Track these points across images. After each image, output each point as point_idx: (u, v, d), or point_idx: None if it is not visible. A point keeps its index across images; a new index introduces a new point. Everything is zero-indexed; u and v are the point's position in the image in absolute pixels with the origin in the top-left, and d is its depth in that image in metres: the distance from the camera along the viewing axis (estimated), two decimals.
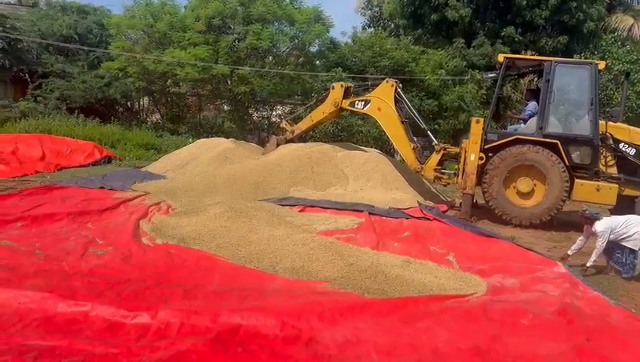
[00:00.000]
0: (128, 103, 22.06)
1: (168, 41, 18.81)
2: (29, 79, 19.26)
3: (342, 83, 11.40)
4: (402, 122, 10.23)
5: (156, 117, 21.97)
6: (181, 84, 19.37)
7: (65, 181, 9.34)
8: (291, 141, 11.78)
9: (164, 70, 18.04)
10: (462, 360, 3.23)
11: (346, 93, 11.07)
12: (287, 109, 21.25)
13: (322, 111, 11.32)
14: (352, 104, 10.98)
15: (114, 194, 8.21)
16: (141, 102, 22.59)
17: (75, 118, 17.14)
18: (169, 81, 19.14)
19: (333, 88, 11.18)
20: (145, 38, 19.53)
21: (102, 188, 8.75)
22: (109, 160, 13.63)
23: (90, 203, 7.43)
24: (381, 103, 10.44)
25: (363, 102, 10.80)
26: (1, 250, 4.98)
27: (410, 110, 10.55)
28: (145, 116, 22.14)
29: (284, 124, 12.13)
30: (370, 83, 12.11)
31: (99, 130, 16.38)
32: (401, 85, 10.53)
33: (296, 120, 12.49)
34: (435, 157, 9.76)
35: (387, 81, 10.64)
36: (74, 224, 6.24)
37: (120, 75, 18.69)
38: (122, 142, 15.96)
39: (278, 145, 11.69)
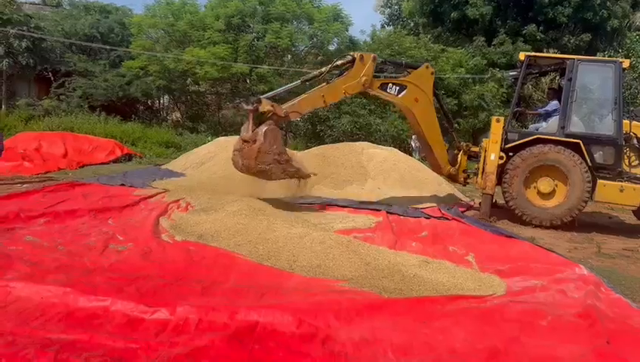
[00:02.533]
0: (149, 102, 22.39)
1: (188, 40, 19.05)
2: (52, 78, 19.67)
3: (374, 55, 8.30)
4: None
5: (176, 115, 22.25)
6: (201, 82, 19.57)
7: (86, 178, 9.50)
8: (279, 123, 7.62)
9: (184, 69, 18.27)
10: (479, 361, 3.19)
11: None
12: None
13: (343, 91, 8.05)
14: (384, 86, 8.40)
15: (134, 192, 8.33)
16: (161, 101, 22.89)
17: (96, 116, 17.47)
18: (189, 79, 19.38)
19: (362, 60, 8.00)
20: (165, 37, 19.81)
21: (122, 185, 8.88)
22: (129, 157, 13.83)
23: (111, 200, 7.54)
24: (419, 93, 8.63)
25: (398, 87, 8.48)
26: (24, 245, 5.08)
27: (442, 106, 9.48)
28: (165, 114, 22.44)
29: (267, 107, 7.27)
30: (404, 62, 9.61)
31: (120, 128, 16.66)
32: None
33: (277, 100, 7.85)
34: (464, 158, 9.56)
35: (427, 67, 8.81)
36: (95, 220, 6.34)
37: (141, 74, 18.98)
38: (142, 140, 16.21)
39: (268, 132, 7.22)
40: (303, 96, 7.93)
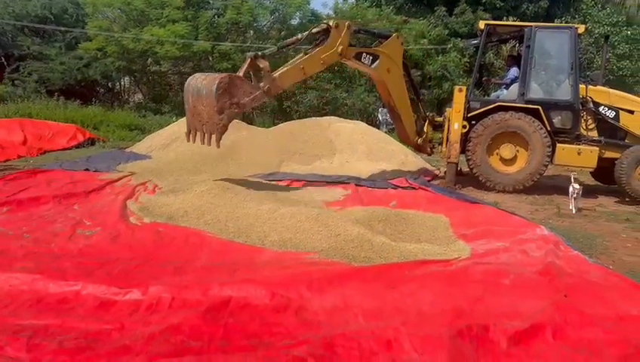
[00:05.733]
0: (109, 84, 21.79)
1: (146, 19, 18.50)
2: (5, 63, 18.90)
3: (348, 22, 8.22)
4: None
5: (138, 97, 21.76)
6: (162, 62, 19.12)
7: (49, 164, 9.27)
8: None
9: (144, 49, 17.80)
10: (446, 321, 3.33)
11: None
12: None
13: (322, 61, 7.90)
14: (359, 56, 8.31)
15: (99, 176, 8.19)
16: (122, 83, 22.29)
17: (55, 100, 16.91)
18: (149, 59, 18.91)
19: (337, 27, 7.87)
20: (122, 16, 19.20)
21: (87, 170, 8.71)
22: (92, 142, 13.50)
23: (76, 185, 7.40)
24: (391, 63, 8.66)
25: (371, 57, 8.43)
26: None
27: (409, 77, 9.43)
28: (126, 96, 21.90)
29: (264, 64, 7.26)
30: (376, 31, 9.94)
31: (80, 112, 16.19)
32: None
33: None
34: (429, 128, 9.73)
35: (397, 37, 8.92)
36: (60, 206, 6.23)
37: (99, 56, 18.42)
38: (105, 124, 15.81)
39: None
40: (282, 70, 7.55)
